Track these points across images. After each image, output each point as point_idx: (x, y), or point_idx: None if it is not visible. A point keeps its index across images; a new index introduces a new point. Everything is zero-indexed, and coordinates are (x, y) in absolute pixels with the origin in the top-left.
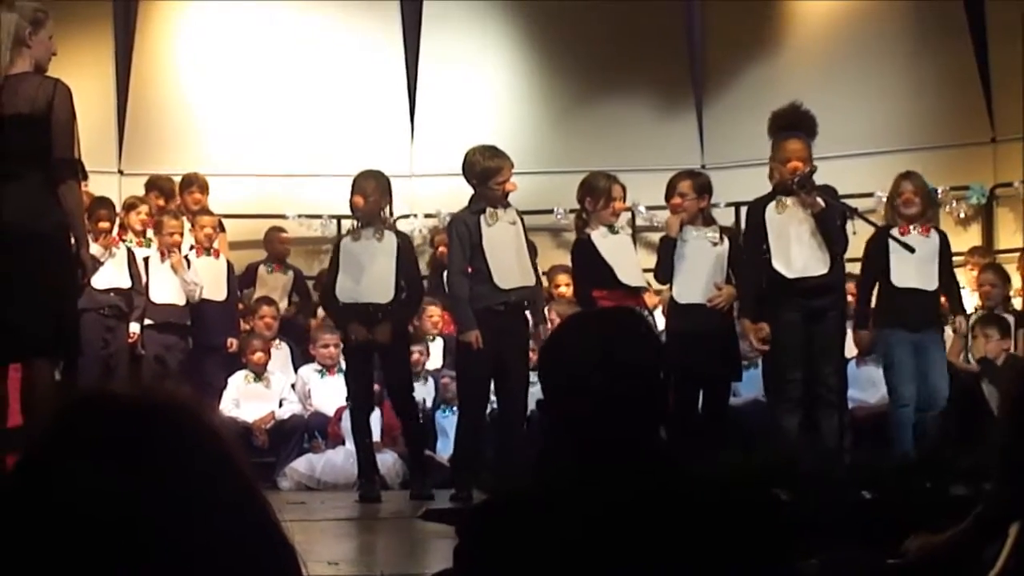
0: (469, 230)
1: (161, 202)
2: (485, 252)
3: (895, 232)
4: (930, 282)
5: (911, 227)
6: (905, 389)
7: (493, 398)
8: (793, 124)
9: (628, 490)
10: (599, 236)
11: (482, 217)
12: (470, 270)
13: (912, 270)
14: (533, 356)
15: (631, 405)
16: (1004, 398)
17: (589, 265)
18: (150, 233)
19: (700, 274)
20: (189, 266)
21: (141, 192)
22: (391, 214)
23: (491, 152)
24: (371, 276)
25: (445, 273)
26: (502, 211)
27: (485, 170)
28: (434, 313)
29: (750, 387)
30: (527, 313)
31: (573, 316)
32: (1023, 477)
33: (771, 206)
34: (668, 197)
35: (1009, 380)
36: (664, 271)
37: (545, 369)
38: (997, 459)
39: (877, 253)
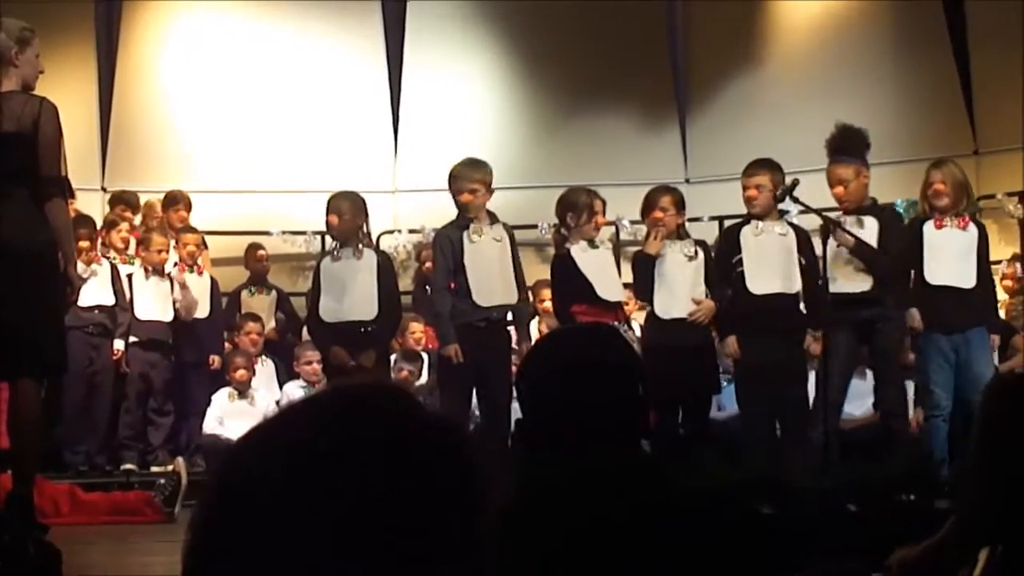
0: (453, 245)
1: (128, 215)
2: (467, 268)
3: (930, 225)
4: (967, 279)
5: (946, 220)
6: (935, 397)
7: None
8: (840, 148)
9: (611, 505)
10: (579, 251)
11: (466, 233)
12: (453, 285)
13: (947, 266)
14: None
15: (610, 421)
16: (978, 414)
17: (568, 280)
18: (131, 250)
19: (679, 289)
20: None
21: (101, 209)
22: (368, 232)
23: (475, 165)
24: (353, 294)
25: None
26: (488, 227)
27: (451, 179)
28: (416, 329)
29: (734, 401)
30: (510, 329)
31: (550, 334)
32: (994, 495)
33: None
34: (647, 212)
35: (984, 396)
36: (644, 289)
37: (523, 386)
38: (971, 475)
39: (910, 248)
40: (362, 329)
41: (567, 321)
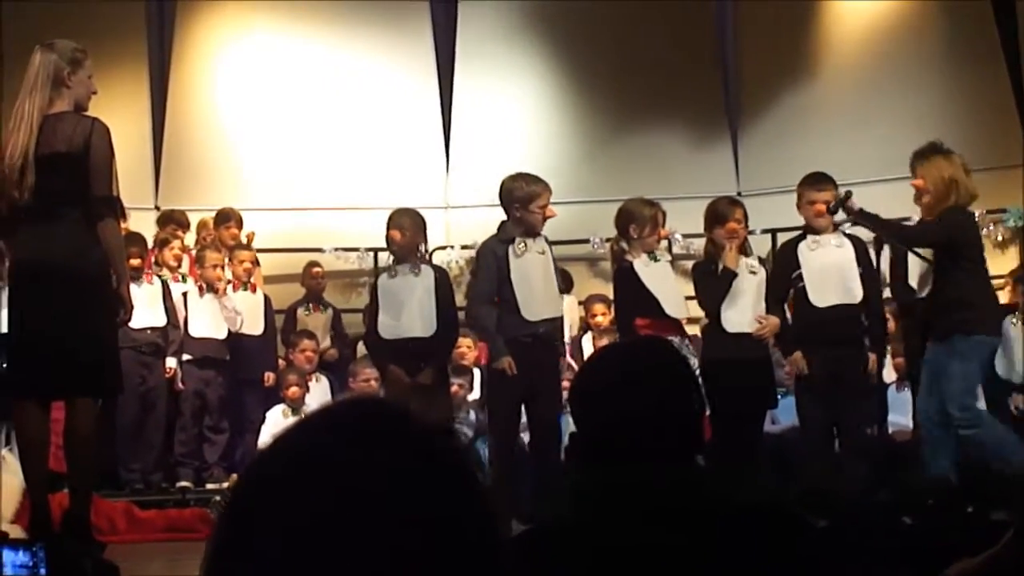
0: (498, 260)
1: (179, 233)
2: (513, 282)
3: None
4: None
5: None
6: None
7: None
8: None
9: (665, 519)
10: (641, 264)
11: (511, 247)
12: (497, 300)
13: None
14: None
15: (664, 435)
16: None
17: (632, 293)
18: (183, 268)
19: (747, 303)
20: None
21: (154, 228)
22: (426, 250)
23: (530, 178)
24: (411, 311)
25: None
26: (531, 241)
27: (526, 195)
28: (462, 344)
29: (788, 414)
30: (557, 343)
31: (602, 348)
32: None
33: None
34: (716, 223)
35: None
36: (713, 302)
37: (576, 401)
38: None
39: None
40: (420, 346)
41: (629, 334)
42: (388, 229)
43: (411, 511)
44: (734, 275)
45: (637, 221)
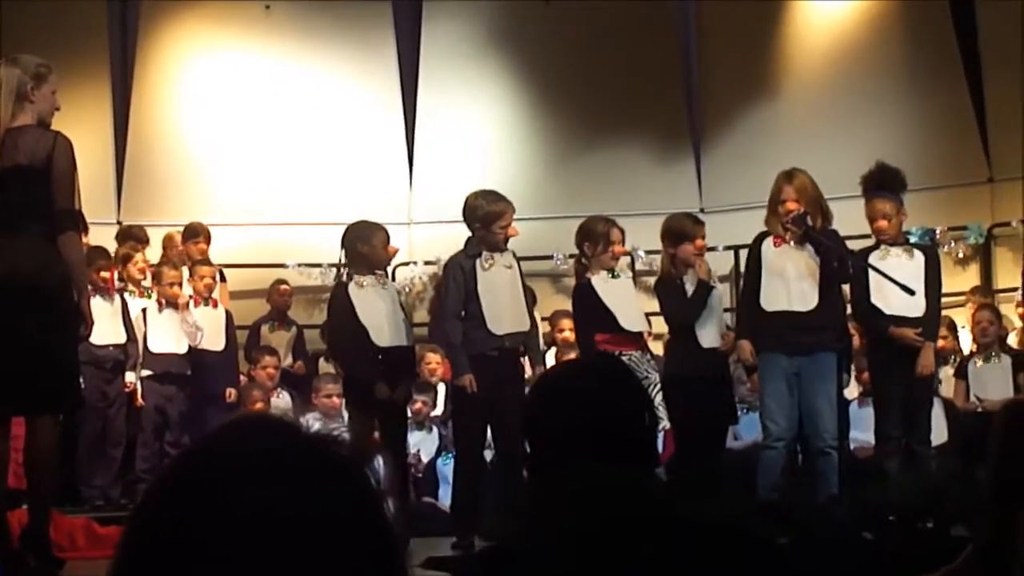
0: (465, 274)
1: (139, 249)
2: (480, 297)
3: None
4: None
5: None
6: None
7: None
8: (881, 184)
9: (619, 536)
10: (599, 280)
11: (478, 261)
12: (464, 314)
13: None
14: None
15: (616, 451)
16: (994, 433)
17: (590, 310)
18: (145, 283)
19: (714, 318)
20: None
21: (113, 243)
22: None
23: (493, 196)
24: (390, 322)
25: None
26: (499, 255)
27: (488, 214)
28: (432, 360)
29: (750, 430)
30: (523, 358)
31: (552, 368)
32: (1013, 516)
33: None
34: (683, 240)
35: (1000, 416)
36: (690, 314)
37: (530, 421)
38: (988, 495)
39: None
40: (398, 354)
41: (589, 351)
42: (361, 242)
43: (310, 526)
44: (711, 288)
45: (591, 238)
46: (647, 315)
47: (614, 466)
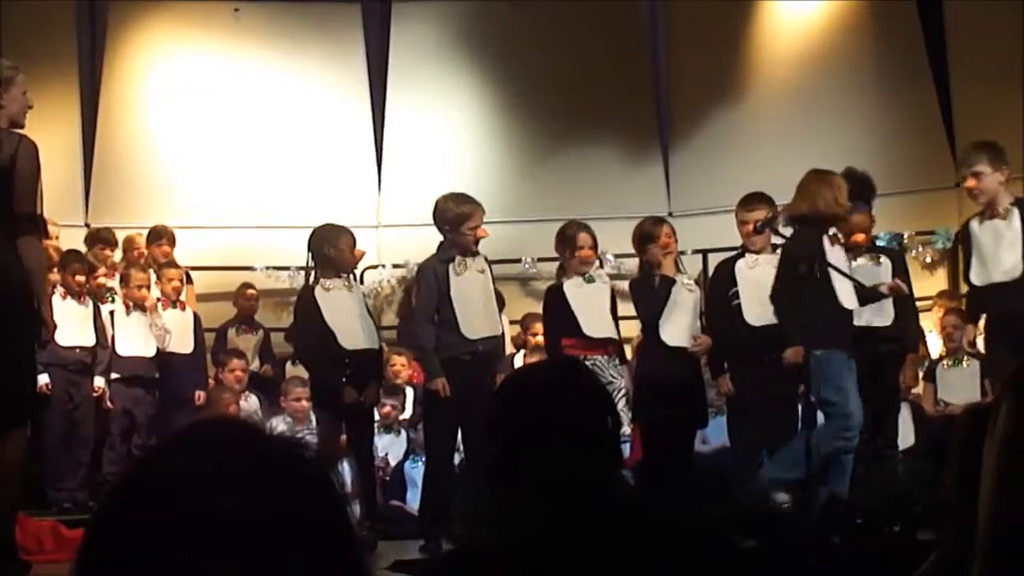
0: (438, 278)
1: (107, 252)
2: (453, 301)
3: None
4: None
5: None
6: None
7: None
8: (858, 195)
9: (589, 538)
10: (571, 285)
11: (451, 266)
12: (437, 319)
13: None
14: None
15: (580, 452)
16: (954, 444)
17: (557, 314)
18: (111, 284)
19: (682, 318)
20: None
21: (82, 246)
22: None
23: (462, 198)
24: (358, 325)
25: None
26: (471, 260)
27: (456, 216)
28: (397, 362)
29: (719, 434)
30: (493, 362)
31: (513, 372)
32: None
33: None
34: (648, 242)
35: (961, 422)
36: (652, 313)
37: (493, 421)
38: (951, 502)
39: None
40: (367, 357)
41: (556, 354)
42: (329, 245)
43: (272, 530)
44: (672, 281)
45: (562, 243)
46: (623, 318)
47: (577, 466)
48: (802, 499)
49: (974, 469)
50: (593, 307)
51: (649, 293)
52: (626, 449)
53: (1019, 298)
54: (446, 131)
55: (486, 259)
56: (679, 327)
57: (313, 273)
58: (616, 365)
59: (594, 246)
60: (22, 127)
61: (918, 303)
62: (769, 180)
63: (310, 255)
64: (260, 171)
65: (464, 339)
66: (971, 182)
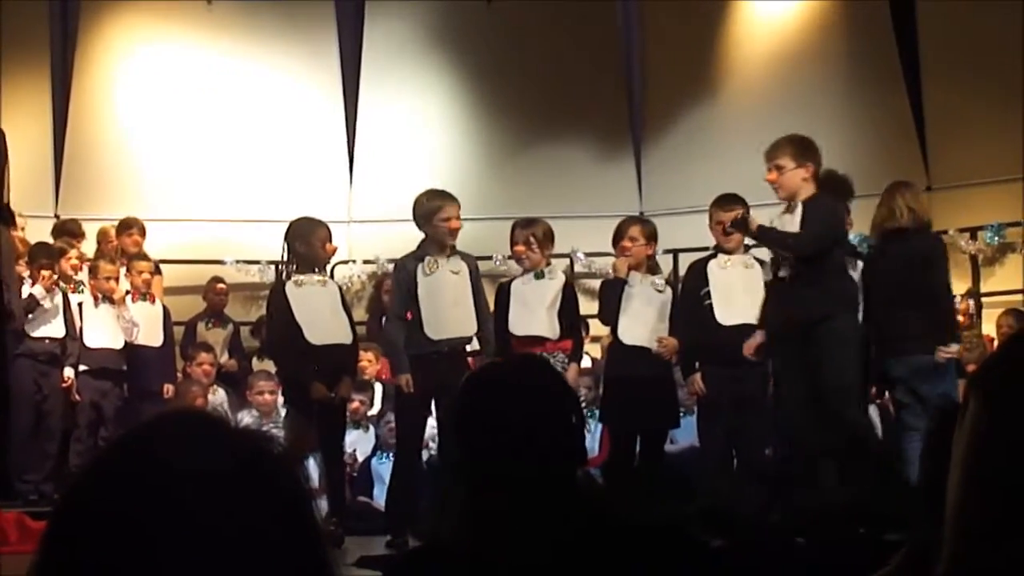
0: (408, 276)
1: (75, 244)
2: (419, 300)
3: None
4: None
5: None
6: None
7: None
8: (837, 193)
9: (551, 536)
10: (519, 282)
11: (421, 265)
12: (409, 316)
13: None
14: None
15: (542, 451)
16: (924, 442)
17: (498, 309)
18: (79, 276)
19: (645, 318)
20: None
21: (49, 238)
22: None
23: (436, 193)
24: (330, 319)
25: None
26: (444, 259)
27: (428, 210)
28: (364, 358)
29: (687, 434)
30: (469, 360)
31: (474, 371)
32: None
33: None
34: (616, 241)
35: (930, 423)
36: (609, 312)
37: (457, 416)
38: (920, 499)
39: None
40: (341, 353)
41: (503, 350)
42: (301, 238)
43: (235, 525)
44: (624, 282)
45: (511, 239)
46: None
47: (539, 464)
48: (768, 499)
49: (943, 464)
50: (529, 304)
51: (607, 293)
52: (594, 448)
53: None
54: (418, 128)
55: (467, 257)
56: (640, 325)
57: (286, 267)
58: (561, 362)
59: (528, 243)
60: None
61: None
62: (741, 180)
63: (284, 247)
64: (231, 165)
65: (427, 339)
66: (771, 175)
